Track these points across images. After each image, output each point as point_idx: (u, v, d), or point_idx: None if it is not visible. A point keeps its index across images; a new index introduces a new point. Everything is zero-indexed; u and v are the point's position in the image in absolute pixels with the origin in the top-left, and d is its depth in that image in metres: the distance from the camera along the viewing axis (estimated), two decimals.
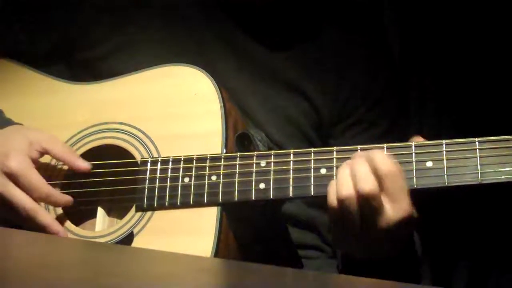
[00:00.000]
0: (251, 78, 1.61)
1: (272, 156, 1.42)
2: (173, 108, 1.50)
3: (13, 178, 1.44)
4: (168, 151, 1.47)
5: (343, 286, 1.12)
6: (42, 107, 1.60)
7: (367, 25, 1.71)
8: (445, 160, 1.36)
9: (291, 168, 1.41)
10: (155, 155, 1.47)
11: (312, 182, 1.39)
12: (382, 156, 1.34)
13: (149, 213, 1.45)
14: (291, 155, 1.42)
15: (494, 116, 2.18)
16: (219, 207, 1.41)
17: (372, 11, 1.86)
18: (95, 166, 1.50)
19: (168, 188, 1.45)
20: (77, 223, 1.51)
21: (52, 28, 1.67)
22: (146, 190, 1.45)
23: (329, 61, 1.64)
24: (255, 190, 1.41)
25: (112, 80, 1.57)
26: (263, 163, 1.42)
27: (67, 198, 1.48)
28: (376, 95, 1.65)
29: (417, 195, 1.35)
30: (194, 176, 1.44)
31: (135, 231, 1.44)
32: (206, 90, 1.48)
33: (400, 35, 2.34)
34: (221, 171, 1.43)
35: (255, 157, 1.43)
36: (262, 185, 1.41)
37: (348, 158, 1.38)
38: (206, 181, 1.43)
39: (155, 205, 1.45)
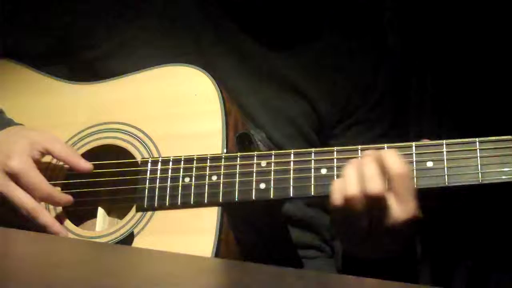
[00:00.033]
0: (251, 79, 1.61)
1: (273, 156, 1.42)
2: (174, 108, 1.50)
3: (14, 178, 1.44)
4: (169, 151, 1.47)
5: (343, 286, 1.12)
6: (42, 107, 1.60)
7: (367, 26, 1.71)
8: (445, 160, 1.36)
9: (292, 168, 1.41)
10: (156, 155, 1.47)
11: (312, 182, 1.39)
12: (394, 157, 1.34)
13: (149, 213, 1.45)
14: (292, 155, 1.42)
15: (494, 116, 2.18)
16: (220, 207, 1.41)
17: (372, 12, 1.86)
18: (95, 166, 1.50)
19: (168, 188, 1.45)
20: (77, 223, 1.51)
21: (52, 28, 1.67)
22: (146, 190, 1.45)
23: (329, 61, 1.64)
24: (255, 190, 1.41)
25: (112, 80, 1.57)
26: (263, 163, 1.42)
27: (68, 198, 1.48)
28: (376, 95, 1.65)
29: (418, 195, 1.35)
30: (195, 176, 1.44)
31: (135, 231, 1.44)
32: (206, 90, 1.48)
33: (400, 36, 2.34)
34: (222, 171, 1.43)
35: (255, 157, 1.43)
36: (262, 185, 1.41)
37: (349, 158, 1.38)
38: (207, 181, 1.43)
39: (156, 205, 1.45)
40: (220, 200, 1.42)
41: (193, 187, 1.44)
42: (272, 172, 1.41)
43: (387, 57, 1.70)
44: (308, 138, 1.62)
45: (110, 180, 1.49)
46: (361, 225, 1.34)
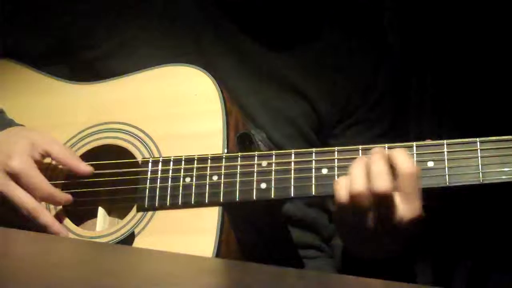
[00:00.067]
0: (251, 79, 1.61)
1: (274, 156, 1.42)
2: (174, 108, 1.50)
3: (15, 178, 1.44)
4: (169, 151, 1.47)
5: (344, 286, 1.12)
6: (43, 107, 1.60)
7: (367, 25, 1.71)
8: (446, 160, 1.36)
9: (292, 168, 1.41)
10: (156, 155, 1.47)
11: (313, 182, 1.39)
12: (404, 156, 1.34)
13: (150, 213, 1.45)
14: (292, 155, 1.42)
15: (494, 116, 2.18)
16: (220, 207, 1.41)
17: (373, 12, 1.86)
18: (96, 166, 1.50)
19: (169, 188, 1.45)
20: (77, 223, 1.51)
21: (52, 28, 1.67)
22: (147, 190, 1.45)
23: (329, 61, 1.64)
24: (256, 190, 1.41)
25: (112, 80, 1.57)
26: (264, 163, 1.42)
27: (68, 197, 1.48)
28: (376, 95, 1.65)
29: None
30: (196, 176, 1.44)
31: (136, 231, 1.44)
32: (207, 90, 1.48)
33: (400, 36, 2.34)
34: (223, 171, 1.43)
35: (256, 157, 1.43)
36: (263, 185, 1.41)
37: (349, 158, 1.38)
38: (208, 181, 1.43)
39: (156, 205, 1.45)
40: (221, 200, 1.42)
41: (194, 187, 1.43)
42: (273, 172, 1.41)
43: (387, 57, 1.70)
44: (308, 138, 1.62)
45: (111, 180, 1.49)
46: (365, 224, 1.34)
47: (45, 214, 1.45)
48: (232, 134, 1.46)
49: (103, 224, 1.52)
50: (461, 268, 2.27)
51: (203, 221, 1.41)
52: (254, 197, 1.41)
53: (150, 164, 1.47)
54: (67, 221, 1.49)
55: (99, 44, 1.64)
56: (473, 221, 2.24)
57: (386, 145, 1.38)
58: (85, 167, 1.48)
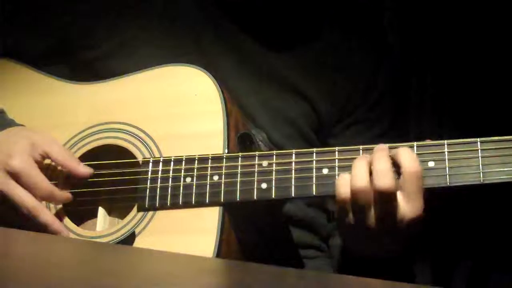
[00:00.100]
0: (251, 79, 1.61)
1: (274, 156, 1.42)
2: (175, 108, 1.50)
3: (15, 177, 1.44)
4: (170, 151, 1.47)
5: (344, 286, 1.12)
6: (43, 106, 1.60)
7: (367, 25, 1.71)
8: (447, 160, 1.36)
9: (293, 168, 1.41)
10: (157, 155, 1.47)
11: (314, 182, 1.39)
12: (409, 155, 1.34)
13: (151, 213, 1.45)
14: (293, 155, 1.42)
15: (495, 116, 2.19)
16: (221, 207, 1.41)
17: (373, 12, 1.86)
18: (96, 166, 1.50)
19: (170, 188, 1.44)
20: (78, 223, 1.51)
21: (52, 28, 1.67)
22: (147, 190, 1.45)
23: (329, 61, 1.64)
24: (257, 190, 1.41)
25: (113, 80, 1.57)
26: (265, 163, 1.42)
27: (68, 195, 1.48)
28: (376, 95, 1.65)
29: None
30: (196, 176, 1.44)
31: (136, 231, 1.44)
32: (207, 90, 1.48)
33: (400, 36, 2.34)
34: (223, 171, 1.43)
35: (257, 157, 1.43)
36: (264, 185, 1.41)
37: (350, 158, 1.38)
38: (208, 181, 1.43)
39: (157, 205, 1.45)
40: (222, 200, 1.42)
41: (194, 187, 1.43)
42: (274, 172, 1.41)
43: (387, 57, 1.70)
44: (308, 138, 1.62)
45: (111, 180, 1.49)
46: (366, 222, 1.34)
47: (45, 213, 1.44)
48: (232, 134, 1.46)
49: (103, 224, 1.52)
50: (461, 268, 2.28)
51: (203, 221, 1.41)
52: (255, 197, 1.41)
53: (150, 164, 1.47)
54: (67, 221, 1.49)
55: (99, 44, 1.64)
56: (473, 221, 2.24)
57: (387, 145, 1.38)
58: (84, 169, 1.48)
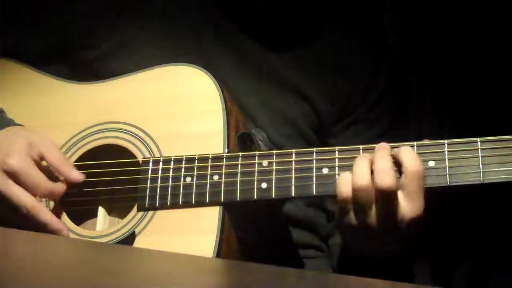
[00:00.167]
0: (251, 79, 1.61)
1: (274, 155, 1.42)
2: (175, 108, 1.50)
3: (13, 176, 1.44)
4: (170, 150, 1.47)
5: (344, 286, 1.12)
6: (43, 106, 1.60)
7: (367, 25, 1.71)
8: (447, 159, 1.36)
9: (293, 168, 1.41)
10: (157, 154, 1.47)
11: (314, 182, 1.39)
12: (411, 154, 1.34)
13: (151, 213, 1.45)
14: (293, 154, 1.42)
15: (495, 116, 2.19)
16: (221, 207, 1.41)
17: (373, 12, 1.86)
18: (96, 166, 1.50)
19: (170, 188, 1.44)
20: (78, 223, 1.51)
21: (52, 28, 1.67)
22: (148, 189, 1.45)
23: (329, 61, 1.64)
24: (257, 189, 1.41)
25: (113, 80, 1.57)
26: (265, 162, 1.42)
27: (64, 186, 1.47)
28: (376, 95, 1.65)
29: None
30: (196, 176, 1.44)
31: (136, 230, 1.44)
32: (207, 90, 1.48)
33: (400, 36, 2.34)
34: (223, 170, 1.43)
35: (257, 156, 1.43)
36: (264, 185, 1.41)
37: (350, 157, 1.38)
38: (208, 181, 1.43)
39: (157, 205, 1.45)
40: (222, 200, 1.42)
41: (194, 186, 1.43)
42: (274, 172, 1.41)
43: (387, 57, 1.70)
44: (308, 138, 1.62)
45: (111, 179, 1.49)
46: (366, 221, 1.34)
47: (45, 212, 1.44)
48: (232, 134, 1.46)
49: (103, 224, 1.52)
50: (461, 268, 2.28)
51: (203, 221, 1.41)
52: (255, 197, 1.41)
53: (150, 164, 1.46)
54: (67, 221, 1.49)
55: (99, 44, 1.64)
56: (473, 221, 2.24)
57: (389, 145, 1.38)
58: (76, 175, 1.47)
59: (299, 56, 1.63)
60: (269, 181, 1.41)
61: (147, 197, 1.45)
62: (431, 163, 1.36)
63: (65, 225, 1.47)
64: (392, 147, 1.37)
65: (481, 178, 1.34)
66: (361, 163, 1.34)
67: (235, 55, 1.62)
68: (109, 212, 1.54)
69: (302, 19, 1.66)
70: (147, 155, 1.47)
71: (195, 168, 1.44)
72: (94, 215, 1.53)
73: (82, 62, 1.65)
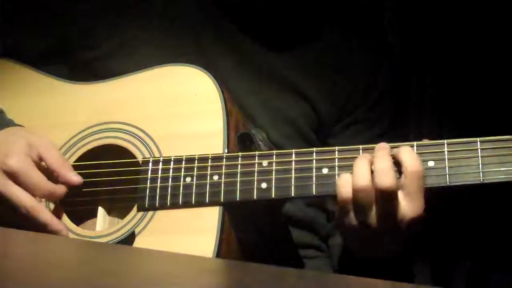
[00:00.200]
0: (251, 79, 1.61)
1: (274, 156, 1.42)
2: (175, 108, 1.50)
3: (13, 177, 1.44)
4: (170, 151, 1.47)
5: (344, 286, 1.12)
6: (42, 106, 1.60)
7: (367, 25, 1.70)
8: (446, 159, 1.36)
9: (293, 168, 1.41)
10: (157, 155, 1.47)
11: (314, 182, 1.39)
12: (411, 154, 1.34)
13: (150, 213, 1.45)
14: (293, 155, 1.42)
15: (494, 116, 2.19)
16: (221, 207, 1.41)
17: (373, 12, 1.86)
18: (96, 166, 1.50)
19: (169, 188, 1.44)
20: (77, 223, 1.51)
21: (52, 28, 1.67)
22: (147, 189, 1.45)
23: (329, 61, 1.64)
24: (257, 189, 1.41)
25: (113, 80, 1.57)
26: (265, 162, 1.42)
27: (65, 188, 1.47)
28: (376, 95, 1.65)
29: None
30: (196, 176, 1.44)
31: (136, 230, 1.44)
32: (207, 90, 1.48)
33: (400, 36, 2.34)
34: (223, 170, 1.43)
35: (256, 157, 1.43)
36: (264, 185, 1.41)
37: (350, 157, 1.38)
38: (208, 181, 1.43)
39: (157, 205, 1.45)
40: (222, 200, 1.42)
41: (194, 186, 1.43)
42: (274, 172, 1.41)
43: (387, 57, 1.70)
44: (307, 138, 1.62)
45: (111, 179, 1.49)
46: (366, 222, 1.34)
47: (44, 212, 1.44)
48: (232, 134, 1.46)
49: (103, 224, 1.52)
50: (461, 268, 2.28)
51: (203, 221, 1.41)
52: (255, 197, 1.41)
53: (150, 164, 1.46)
54: (67, 221, 1.49)
55: (99, 44, 1.64)
56: (473, 221, 2.24)
57: (388, 144, 1.39)
58: (74, 178, 1.47)
59: (299, 56, 1.63)
60: (269, 181, 1.41)
61: (147, 197, 1.45)
62: (431, 163, 1.36)
63: (65, 225, 1.47)
64: (392, 147, 1.37)
65: (481, 178, 1.34)
66: (361, 163, 1.34)
67: (235, 55, 1.62)
68: (109, 212, 1.54)
69: (302, 19, 1.66)
70: (147, 155, 1.48)
71: (195, 168, 1.44)
72: (93, 215, 1.53)
73: (82, 62, 1.65)
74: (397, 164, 1.35)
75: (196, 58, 1.57)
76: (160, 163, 1.46)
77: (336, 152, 1.40)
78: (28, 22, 1.70)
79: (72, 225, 1.49)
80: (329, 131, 1.65)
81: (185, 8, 1.64)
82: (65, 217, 1.49)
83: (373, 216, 1.34)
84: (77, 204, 1.50)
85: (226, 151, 1.44)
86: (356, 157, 1.37)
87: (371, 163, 1.34)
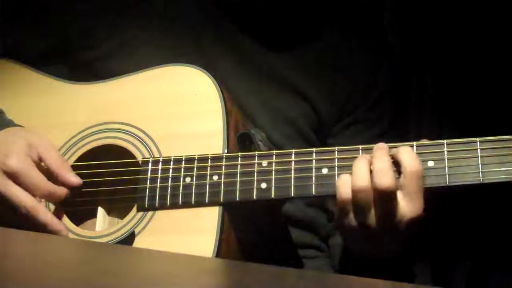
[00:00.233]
0: (251, 79, 1.61)
1: (274, 156, 1.42)
2: (174, 108, 1.50)
3: (13, 177, 1.44)
4: (170, 151, 1.47)
5: (344, 286, 1.12)
6: (42, 106, 1.60)
7: (367, 25, 1.71)
8: (446, 159, 1.36)
9: (293, 168, 1.41)
10: (157, 155, 1.47)
11: (313, 182, 1.39)
12: (410, 154, 1.34)
13: (150, 213, 1.45)
14: (293, 155, 1.42)
15: (494, 116, 2.19)
16: (221, 207, 1.41)
17: (373, 12, 1.86)
18: (96, 166, 1.50)
19: (169, 188, 1.45)
20: (77, 223, 1.51)
21: (52, 28, 1.67)
22: (147, 190, 1.45)
23: (329, 61, 1.64)
24: (256, 189, 1.41)
25: (112, 80, 1.57)
26: (264, 163, 1.42)
27: (66, 190, 1.47)
28: (376, 95, 1.65)
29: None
30: (196, 176, 1.44)
31: (136, 231, 1.44)
32: (207, 90, 1.48)
33: (400, 36, 2.34)
34: (223, 171, 1.43)
35: (256, 157, 1.43)
36: (263, 185, 1.41)
37: (350, 157, 1.38)
38: (208, 181, 1.43)
39: (157, 205, 1.45)
40: (221, 200, 1.42)
41: (194, 186, 1.43)
42: (273, 172, 1.41)
43: (387, 57, 1.70)
44: (307, 138, 1.62)
45: (111, 180, 1.49)
46: (366, 222, 1.34)
47: (45, 212, 1.44)
48: (232, 134, 1.46)
49: (103, 224, 1.52)
50: (461, 268, 2.28)
51: (203, 221, 1.41)
52: (255, 197, 1.41)
53: (150, 164, 1.47)
54: (66, 221, 1.49)
55: (99, 44, 1.64)
56: (473, 221, 2.24)
57: (387, 144, 1.38)
58: (74, 179, 1.47)
59: (299, 56, 1.63)
60: (268, 181, 1.41)
61: (147, 197, 1.45)
62: (430, 163, 1.36)
63: (65, 225, 1.47)
64: (391, 147, 1.37)
65: (480, 178, 1.34)
66: (360, 164, 1.34)
67: (235, 55, 1.62)
68: (109, 212, 1.54)
69: (302, 19, 1.66)
70: (147, 155, 1.48)
71: (195, 168, 1.44)
72: (93, 215, 1.53)
73: (82, 62, 1.65)
74: (397, 164, 1.35)
75: (196, 58, 1.57)
76: (160, 163, 1.46)
77: (336, 152, 1.40)
78: (28, 22, 1.70)
79: (72, 225, 1.49)
80: (329, 131, 1.65)
81: (185, 8, 1.64)
82: (65, 217, 1.50)
83: (372, 216, 1.34)
84: (76, 204, 1.51)
85: (225, 151, 1.44)
86: (356, 157, 1.37)
87: (370, 164, 1.34)
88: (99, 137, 1.52)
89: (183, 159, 1.45)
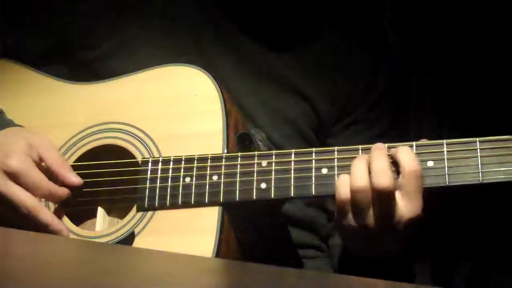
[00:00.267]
0: (251, 79, 1.61)
1: (273, 156, 1.42)
2: (174, 108, 1.50)
3: (13, 177, 1.44)
4: (169, 151, 1.47)
5: (343, 286, 1.12)
6: (42, 107, 1.60)
7: (367, 25, 1.71)
8: (446, 159, 1.36)
9: (292, 168, 1.41)
10: (156, 155, 1.47)
11: (313, 182, 1.39)
12: (409, 154, 1.34)
13: (150, 213, 1.45)
14: (292, 155, 1.42)
15: (494, 116, 2.19)
16: (220, 207, 1.41)
17: (373, 12, 1.86)
18: (96, 166, 1.50)
19: (169, 188, 1.45)
20: (77, 223, 1.51)
21: (52, 28, 1.67)
22: (147, 190, 1.45)
23: (329, 61, 1.64)
24: (256, 189, 1.41)
25: (112, 80, 1.57)
26: (264, 163, 1.42)
27: (67, 193, 1.47)
28: (376, 95, 1.65)
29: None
30: (195, 176, 1.44)
31: (136, 231, 1.44)
32: (207, 90, 1.48)
33: (400, 36, 2.34)
34: (223, 171, 1.43)
35: (256, 157, 1.43)
36: (263, 185, 1.41)
37: (349, 157, 1.38)
38: (207, 181, 1.43)
39: (156, 205, 1.45)
40: (221, 200, 1.42)
41: (193, 186, 1.43)
42: (273, 172, 1.41)
43: (387, 57, 1.70)
44: (307, 138, 1.62)
45: (110, 180, 1.49)
46: (365, 222, 1.34)
47: (45, 212, 1.45)
48: (232, 134, 1.46)
49: (103, 224, 1.52)
50: (461, 268, 2.28)
51: (203, 221, 1.41)
52: (254, 197, 1.41)
53: (150, 164, 1.47)
54: (66, 221, 1.49)
55: (99, 44, 1.64)
56: (473, 221, 2.24)
57: (386, 144, 1.39)
58: (73, 178, 1.47)
59: (299, 56, 1.63)
60: (268, 181, 1.41)
61: (146, 198, 1.45)
62: (430, 163, 1.36)
63: (65, 225, 1.47)
64: (390, 147, 1.37)
65: (480, 178, 1.34)
66: (359, 164, 1.34)
67: (235, 55, 1.62)
68: (109, 212, 1.54)
69: (302, 19, 1.66)
70: (146, 155, 1.48)
71: (194, 168, 1.44)
72: (93, 215, 1.53)
73: (82, 62, 1.65)
74: (395, 164, 1.35)
75: (196, 58, 1.57)
76: (160, 163, 1.46)
77: (336, 152, 1.40)
78: (28, 22, 1.70)
79: (72, 225, 1.49)
80: (329, 131, 1.65)
81: (185, 8, 1.64)
82: (65, 217, 1.50)
83: (371, 216, 1.34)
84: (76, 204, 1.51)
85: (225, 151, 1.44)
86: (356, 157, 1.37)
87: (369, 164, 1.34)
88: (99, 137, 1.52)
89: (183, 159, 1.45)
